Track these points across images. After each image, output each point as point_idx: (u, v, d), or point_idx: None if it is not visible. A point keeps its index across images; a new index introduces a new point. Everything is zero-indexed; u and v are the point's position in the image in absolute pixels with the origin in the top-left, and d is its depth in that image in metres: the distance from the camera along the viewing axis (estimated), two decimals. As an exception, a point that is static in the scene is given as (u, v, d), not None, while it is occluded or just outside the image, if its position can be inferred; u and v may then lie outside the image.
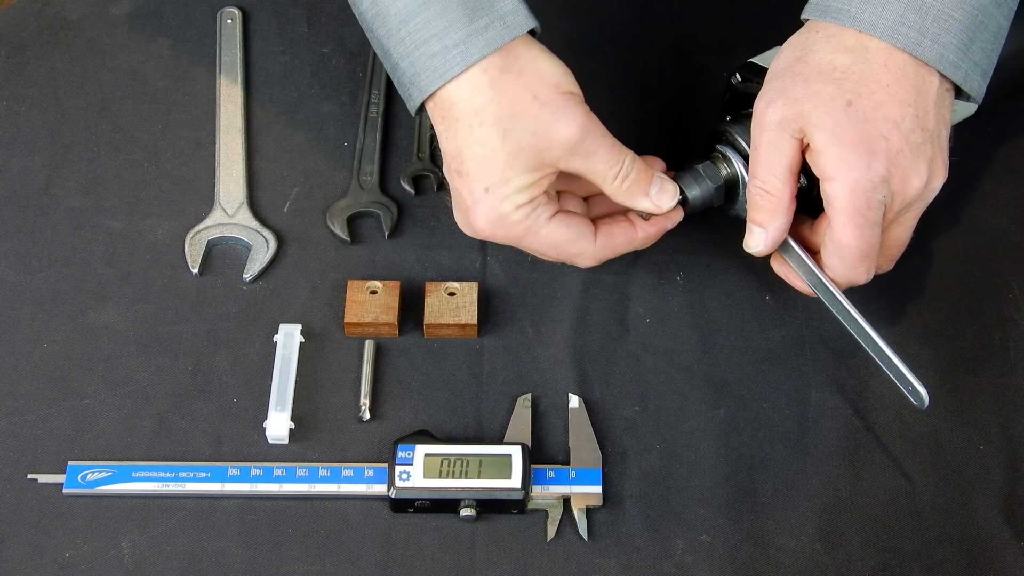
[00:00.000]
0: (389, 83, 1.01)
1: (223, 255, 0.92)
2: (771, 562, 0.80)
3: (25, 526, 0.80)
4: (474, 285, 0.90)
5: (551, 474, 0.82)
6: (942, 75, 0.80)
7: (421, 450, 0.81)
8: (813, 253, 0.85)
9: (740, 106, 0.91)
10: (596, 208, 0.87)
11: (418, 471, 0.80)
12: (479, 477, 0.80)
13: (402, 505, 0.80)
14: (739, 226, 0.92)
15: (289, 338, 0.87)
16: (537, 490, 0.81)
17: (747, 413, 0.86)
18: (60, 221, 0.93)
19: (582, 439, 0.84)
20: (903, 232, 0.84)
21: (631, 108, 1.01)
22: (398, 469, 0.81)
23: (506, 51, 0.79)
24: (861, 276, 0.83)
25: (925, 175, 0.80)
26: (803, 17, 0.83)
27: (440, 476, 0.80)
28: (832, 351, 0.88)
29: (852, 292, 0.87)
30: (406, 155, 0.98)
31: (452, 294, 0.89)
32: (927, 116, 0.80)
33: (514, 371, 0.87)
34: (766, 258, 0.92)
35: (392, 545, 0.80)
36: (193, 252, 0.91)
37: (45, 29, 1.03)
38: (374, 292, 0.89)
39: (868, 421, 0.86)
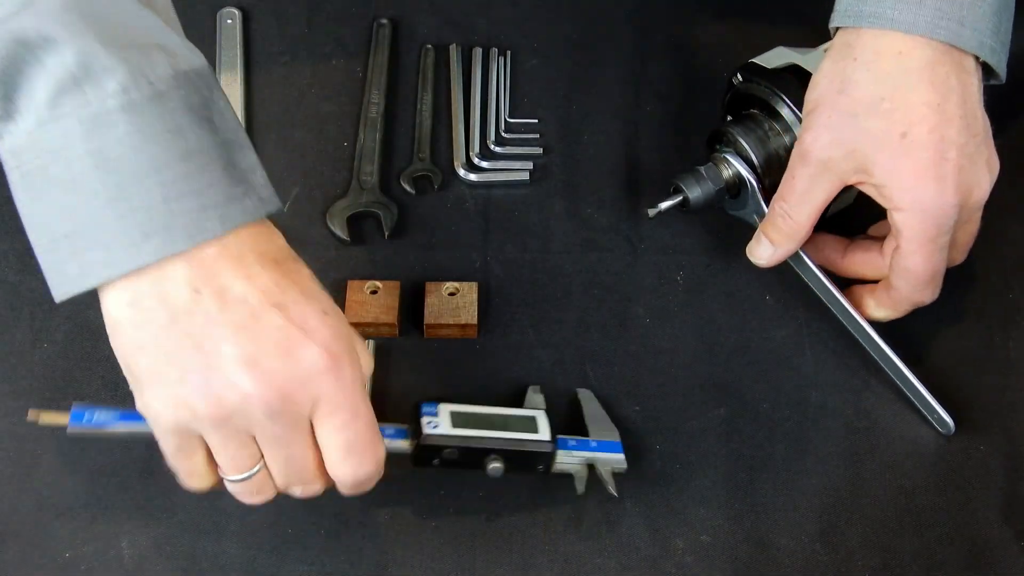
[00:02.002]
0: (389, 83, 1.01)
1: (223, 255, 0.92)
2: (771, 562, 0.80)
3: (25, 526, 0.80)
4: (474, 285, 0.90)
5: (573, 442, 0.81)
6: (977, 60, 0.80)
7: (445, 407, 0.79)
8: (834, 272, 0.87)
9: (741, 106, 0.91)
10: None
11: (445, 422, 0.78)
12: (507, 430, 0.79)
13: (428, 456, 0.77)
14: (739, 226, 0.92)
15: (289, 338, 0.87)
16: (561, 455, 0.80)
17: (747, 413, 0.86)
18: (60, 221, 0.93)
19: (598, 420, 0.83)
20: (972, 227, 0.85)
21: (631, 108, 1.01)
22: (424, 419, 0.78)
23: (267, 235, 0.70)
24: (927, 296, 0.83)
25: (987, 178, 0.82)
26: (833, 25, 0.82)
27: (468, 427, 0.78)
28: (832, 351, 0.88)
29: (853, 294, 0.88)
30: (406, 155, 0.98)
31: (452, 294, 0.89)
32: (975, 120, 0.80)
33: (514, 371, 0.87)
34: (766, 258, 0.92)
35: (392, 545, 0.80)
36: (193, 252, 0.91)
37: (45, 29, 1.03)
38: (374, 292, 0.89)
39: (868, 421, 0.86)
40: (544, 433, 0.80)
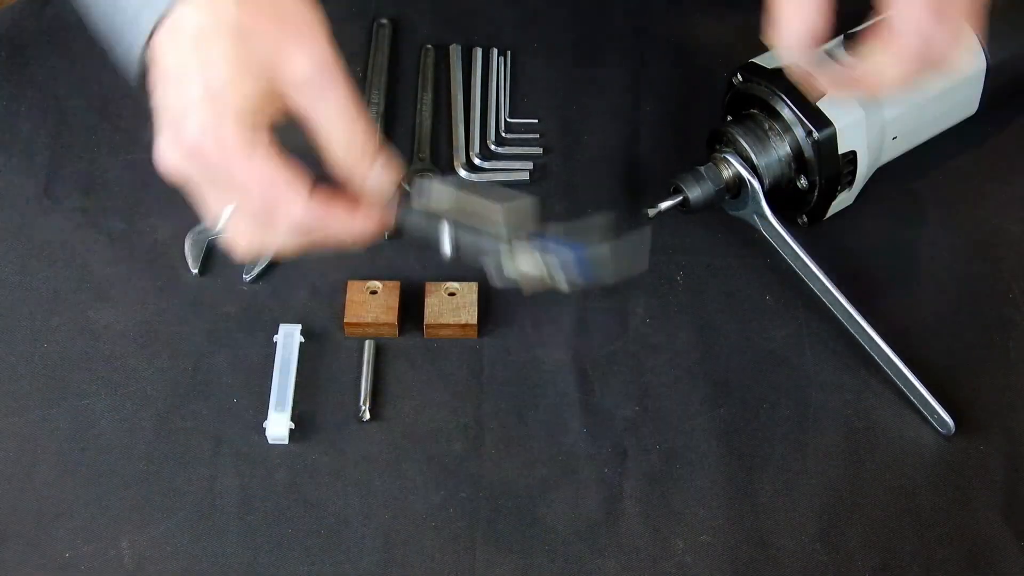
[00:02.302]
0: (389, 83, 1.01)
1: (223, 255, 0.92)
2: (771, 562, 0.80)
3: (25, 526, 0.80)
4: (474, 285, 0.90)
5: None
6: None
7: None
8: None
9: (741, 106, 0.91)
10: None
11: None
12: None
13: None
14: (739, 226, 0.92)
15: (289, 338, 0.87)
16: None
17: (747, 413, 0.86)
18: (60, 221, 0.93)
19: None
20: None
21: (631, 108, 1.01)
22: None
23: None
24: (935, 30, 0.76)
25: None
26: None
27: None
28: (832, 351, 0.88)
29: (852, 295, 0.88)
30: (406, 155, 0.98)
31: (452, 294, 0.89)
32: None
33: (514, 371, 0.87)
34: (766, 258, 0.92)
35: (392, 545, 0.80)
36: (193, 252, 0.91)
37: (45, 29, 1.03)
38: (374, 292, 0.89)
39: (868, 421, 0.86)
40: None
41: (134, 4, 0.74)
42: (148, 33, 0.73)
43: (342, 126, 0.73)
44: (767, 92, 0.88)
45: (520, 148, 0.98)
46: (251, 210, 0.73)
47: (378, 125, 0.98)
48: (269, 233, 0.74)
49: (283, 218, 0.72)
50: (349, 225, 0.74)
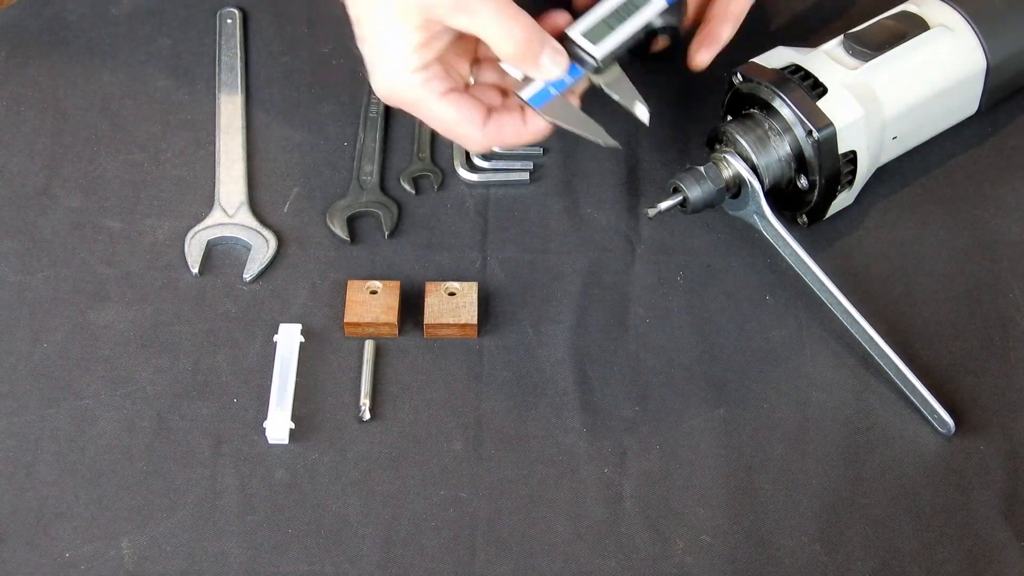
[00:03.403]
0: (389, 83, 1.01)
1: (223, 255, 0.92)
2: (771, 562, 0.80)
3: (25, 526, 0.80)
4: (474, 285, 0.90)
5: None
6: None
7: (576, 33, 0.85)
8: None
9: (741, 106, 0.91)
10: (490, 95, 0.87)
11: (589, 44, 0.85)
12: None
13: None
14: (739, 226, 0.92)
15: (289, 338, 0.87)
16: None
17: (747, 413, 0.86)
18: (60, 221, 0.93)
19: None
20: None
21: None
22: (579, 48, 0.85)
23: None
24: None
25: None
26: None
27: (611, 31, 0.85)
28: (832, 351, 0.88)
29: (852, 295, 0.88)
30: (406, 155, 0.98)
31: (452, 294, 0.89)
32: None
33: (514, 371, 0.87)
34: (766, 258, 0.92)
35: (392, 545, 0.80)
36: (193, 252, 0.91)
37: (45, 29, 1.03)
38: (374, 292, 0.89)
39: (868, 421, 0.86)
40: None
41: None
42: None
43: (504, 31, 0.80)
44: (767, 92, 0.88)
45: (520, 148, 0.98)
46: (443, 134, 0.86)
47: (379, 125, 0.98)
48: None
49: (467, 146, 0.87)
50: (521, 134, 0.85)
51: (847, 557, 0.80)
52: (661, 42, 0.90)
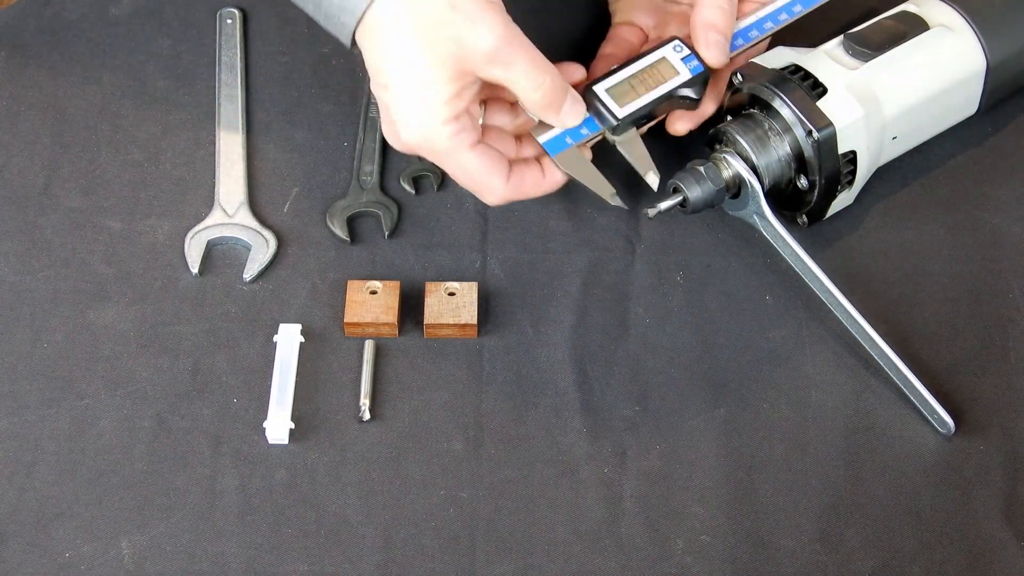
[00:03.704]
0: (389, 83, 1.01)
1: (223, 255, 0.92)
2: (771, 562, 0.80)
3: (25, 526, 0.80)
4: (474, 285, 0.90)
5: None
6: None
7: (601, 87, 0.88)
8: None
9: (740, 106, 0.91)
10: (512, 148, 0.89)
11: (613, 102, 0.87)
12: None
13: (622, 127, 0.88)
14: (739, 226, 0.92)
15: (289, 338, 0.87)
16: None
17: (747, 413, 0.86)
18: (60, 221, 0.93)
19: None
20: None
21: (631, 108, 1.01)
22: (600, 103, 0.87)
23: None
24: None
25: None
26: None
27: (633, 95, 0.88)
28: (832, 351, 0.88)
29: (852, 295, 0.88)
30: (406, 155, 0.98)
31: (452, 294, 0.89)
32: None
33: (514, 371, 0.87)
34: (766, 258, 0.92)
35: (392, 545, 0.80)
36: (193, 252, 0.91)
37: (45, 29, 1.03)
38: (374, 292, 0.89)
39: (868, 421, 0.86)
40: (684, 72, 0.89)
41: (333, 4, 0.83)
42: (351, 30, 0.82)
43: (534, 81, 0.82)
44: (767, 92, 0.88)
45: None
46: (464, 186, 0.86)
47: (379, 125, 0.98)
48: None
49: (488, 199, 0.86)
50: (541, 185, 0.86)
51: (847, 557, 0.80)
52: (681, 127, 0.92)
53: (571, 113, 0.85)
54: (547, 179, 0.86)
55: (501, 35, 0.80)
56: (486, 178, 0.84)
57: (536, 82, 0.82)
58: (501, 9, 0.81)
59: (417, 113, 0.81)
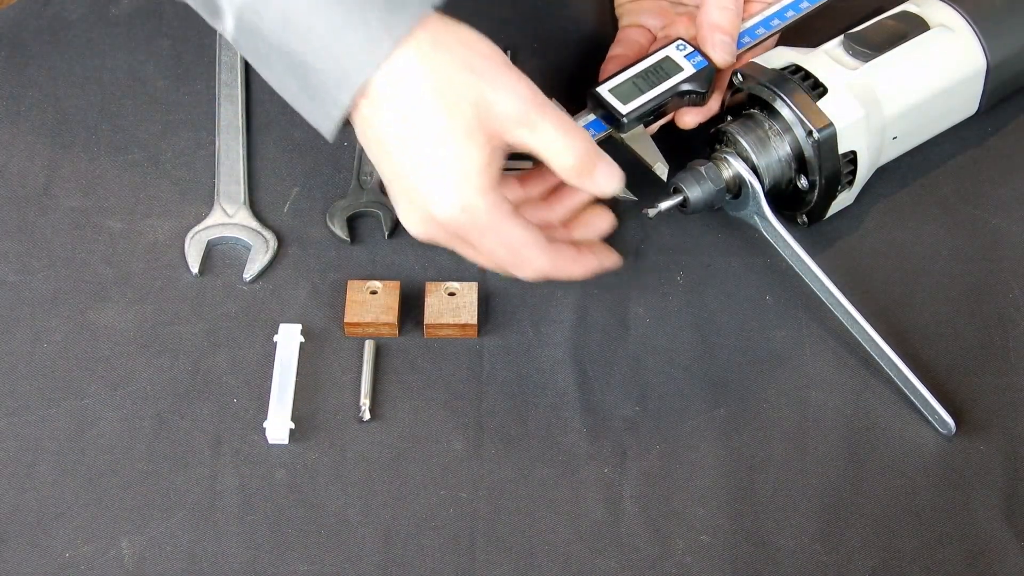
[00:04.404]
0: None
1: (223, 255, 0.92)
2: (771, 562, 0.80)
3: (25, 526, 0.80)
4: (474, 285, 0.90)
5: None
6: None
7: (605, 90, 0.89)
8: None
9: (741, 106, 0.91)
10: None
11: (616, 100, 0.88)
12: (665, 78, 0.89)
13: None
14: (739, 226, 0.92)
15: (289, 338, 0.87)
16: None
17: (747, 413, 0.86)
18: (60, 221, 0.93)
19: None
20: None
21: (631, 108, 1.01)
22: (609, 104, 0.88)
23: (430, 28, 0.75)
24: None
25: None
26: None
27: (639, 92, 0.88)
28: (832, 351, 0.88)
29: (852, 295, 0.88)
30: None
31: (452, 294, 0.89)
32: None
33: (514, 371, 0.87)
34: (766, 258, 0.92)
35: (392, 545, 0.80)
36: (193, 252, 0.91)
37: (45, 29, 1.03)
38: (374, 292, 0.89)
39: (868, 421, 0.85)
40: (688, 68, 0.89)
41: (328, 76, 0.76)
42: (347, 105, 0.76)
43: (564, 145, 0.77)
44: (767, 92, 0.88)
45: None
46: (498, 264, 0.80)
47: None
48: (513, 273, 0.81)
49: (527, 271, 0.80)
50: (582, 264, 0.82)
51: (847, 557, 0.80)
52: (690, 120, 0.92)
53: (607, 176, 0.80)
54: (582, 263, 0.82)
55: (526, 97, 0.76)
56: (525, 249, 0.78)
57: (566, 145, 0.77)
58: (519, 71, 0.77)
59: (452, 185, 0.76)
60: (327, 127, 0.78)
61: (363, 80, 0.75)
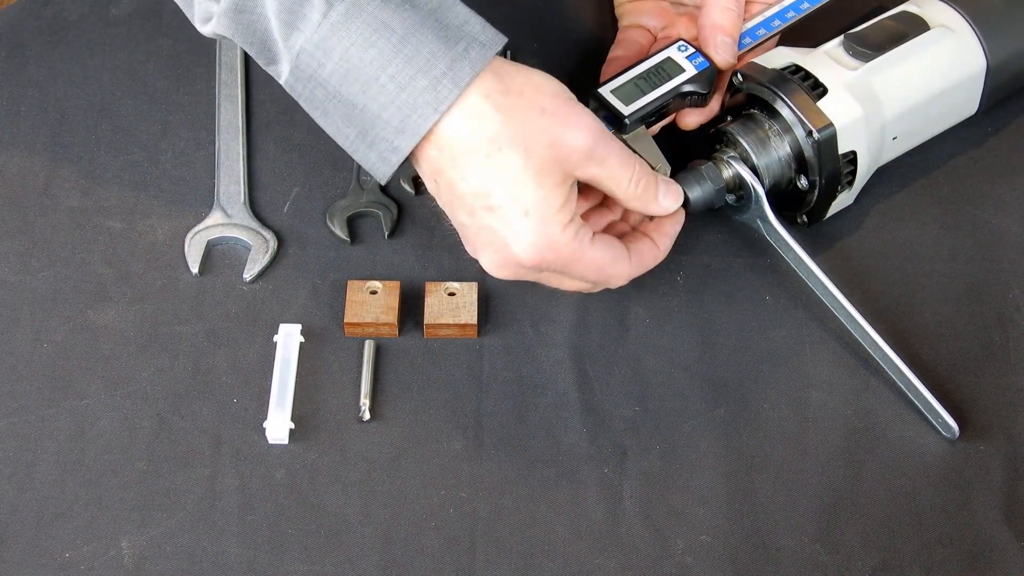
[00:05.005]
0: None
1: (223, 255, 0.92)
2: (771, 562, 0.80)
3: (25, 526, 0.80)
4: (474, 285, 0.90)
5: None
6: None
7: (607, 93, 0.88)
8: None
9: (741, 106, 0.91)
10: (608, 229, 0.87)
11: (619, 102, 0.88)
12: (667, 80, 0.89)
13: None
14: (739, 226, 0.92)
15: (289, 338, 0.87)
16: None
17: (747, 413, 0.86)
18: (60, 221, 0.93)
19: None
20: None
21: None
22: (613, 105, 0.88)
23: (495, 72, 0.77)
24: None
25: None
26: None
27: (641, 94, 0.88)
28: (832, 351, 0.88)
29: (852, 296, 0.88)
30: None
31: (452, 294, 0.89)
32: None
33: (514, 371, 0.87)
34: (766, 258, 0.92)
35: (392, 545, 0.80)
36: (193, 252, 0.91)
37: (45, 29, 1.03)
38: (374, 292, 0.89)
39: (868, 421, 0.85)
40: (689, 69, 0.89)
41: (389, 123, 0.77)
42: (407, 152, 0.78)
43: (629, 176, 0.80)
44: (767, 92, 0.88)
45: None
46: (585, 287, 0.84)
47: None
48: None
49: (616, 283, 0.84)
50: (658, 253, 0.85)
51: (847, 557, 0.80)
52: (691, 120, 0.92)
53: (668, 196, 0.84)
54: (661, 246, 0.85)
55: (595, 132, 0.78)
56: (611, 266, 0.82)
57: (631, 174, 0.80)
58: (583, 105, 0.80)
59: (535, 228, 0.77)
60: (383, 171, 0.79)
61: (427, 127, 0.76)
